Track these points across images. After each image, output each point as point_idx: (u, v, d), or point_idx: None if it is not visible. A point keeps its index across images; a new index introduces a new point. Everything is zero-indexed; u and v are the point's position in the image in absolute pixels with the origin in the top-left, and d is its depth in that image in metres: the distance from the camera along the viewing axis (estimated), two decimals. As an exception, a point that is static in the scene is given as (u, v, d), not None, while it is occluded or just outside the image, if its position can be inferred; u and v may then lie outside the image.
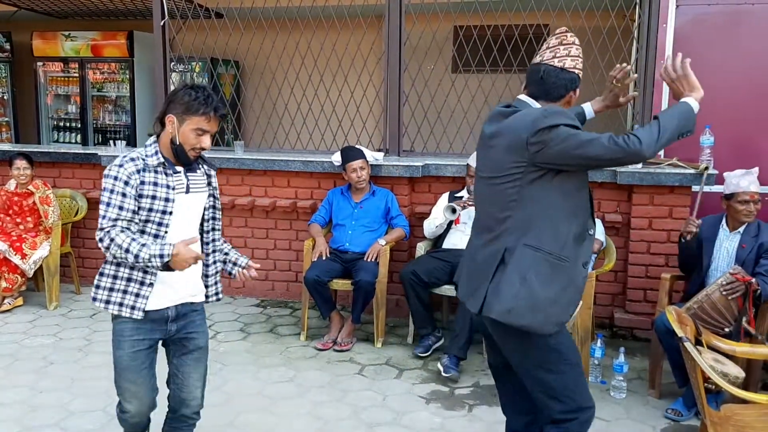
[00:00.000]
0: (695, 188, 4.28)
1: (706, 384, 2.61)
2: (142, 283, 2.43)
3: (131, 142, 8.01)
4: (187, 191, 2.48)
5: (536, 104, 2.33)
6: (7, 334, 4.55)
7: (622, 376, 3.71)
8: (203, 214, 2.58)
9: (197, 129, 2.39)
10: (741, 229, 3.63)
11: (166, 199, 2.40)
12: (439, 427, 3.37)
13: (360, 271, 4.30)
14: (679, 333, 2.58)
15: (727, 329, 3.32)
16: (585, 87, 5.08)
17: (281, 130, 5.64)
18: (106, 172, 2.37)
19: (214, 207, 2.60)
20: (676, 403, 3.52)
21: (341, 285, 4.39)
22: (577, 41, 2.36)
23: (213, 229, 2.62)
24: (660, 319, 3.48)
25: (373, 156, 4.78)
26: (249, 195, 5.29)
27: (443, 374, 3.87)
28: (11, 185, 5.13)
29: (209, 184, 2.57)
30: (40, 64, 8.52)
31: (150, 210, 2.38)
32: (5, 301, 4.98)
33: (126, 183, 2.34)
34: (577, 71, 2.34)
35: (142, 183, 2.37)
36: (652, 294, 4.38)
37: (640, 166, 4.44)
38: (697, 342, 2.78)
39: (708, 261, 3.72)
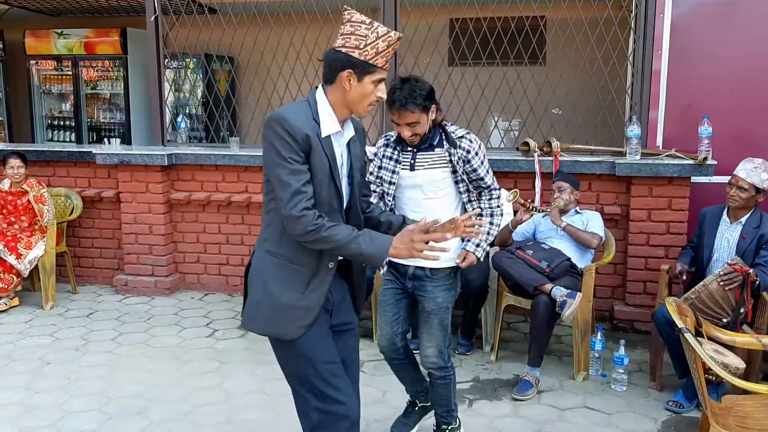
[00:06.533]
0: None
1: (706, 375, 2.59)
2: None
3: (126, 140, 7.94)
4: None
5: (320, 91, 2.21)
6: (2, 334, 4.51)
7: (623, 368, 3.69)
8: None
9: None
10: (743, 220, 3.61)
11: None
12: (439, 423, 3.35)
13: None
14: (679, 324, 2.56)
15: (724, 320, 3.30)
16: (582, 79, 5.11)
17: (277, 125, 5.59)
18: None
19: None
20: (677, 395, 3.51)
21: (339, 281, 4.36)
22: (355, 17, 2.13)
23: None
24: (660, 310, 3.46)
25: (370, 150, 4.75)
26: (245, 192, 5.25)
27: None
28: (5, 184, 5.09)
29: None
30: (33, 62, 8.45)
31: None
32: (1, 301, 4.94)
33: None
34: (345, 50, 2.12)
35: None
36: (652, 286, 4.36)
37: (638, 157, 4.42)
38: (697, 333, 2.77)
39: (709, 252, 3.69)
